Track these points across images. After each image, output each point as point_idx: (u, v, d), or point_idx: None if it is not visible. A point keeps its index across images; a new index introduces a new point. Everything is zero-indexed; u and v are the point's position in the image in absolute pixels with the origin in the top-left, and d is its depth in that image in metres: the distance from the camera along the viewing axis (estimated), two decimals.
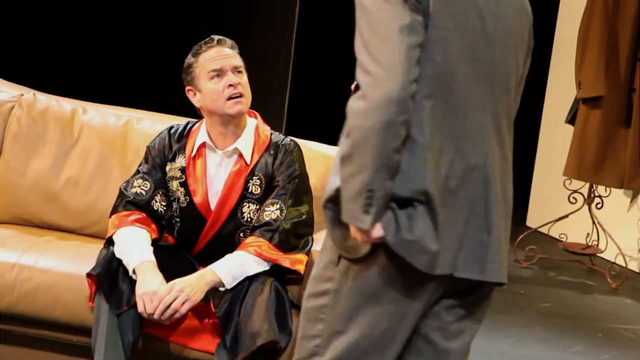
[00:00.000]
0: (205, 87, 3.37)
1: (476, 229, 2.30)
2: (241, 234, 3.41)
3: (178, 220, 3.47)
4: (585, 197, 5.73)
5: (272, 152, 3.42)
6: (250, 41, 5.78)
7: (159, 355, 3.34)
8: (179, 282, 3.22)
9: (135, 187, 3.43)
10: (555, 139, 6.33)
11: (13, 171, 3.82)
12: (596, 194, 5.72)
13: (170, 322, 3.23)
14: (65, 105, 3.93)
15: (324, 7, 6.68)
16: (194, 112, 3.51)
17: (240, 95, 3.36)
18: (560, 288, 5.48)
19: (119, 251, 3.31)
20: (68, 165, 3.81)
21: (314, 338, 2.36)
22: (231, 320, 3.20)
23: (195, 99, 3.42)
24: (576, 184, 5.71)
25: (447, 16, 2.22)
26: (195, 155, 3.44)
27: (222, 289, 3.25)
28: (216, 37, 3.44)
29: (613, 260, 5.79)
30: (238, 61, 3.41)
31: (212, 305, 3.25)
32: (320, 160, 3.63)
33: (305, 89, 6.62)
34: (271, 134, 3.48)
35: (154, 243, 3.39)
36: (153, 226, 3.40)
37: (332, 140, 4.24)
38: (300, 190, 3.39)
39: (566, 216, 5.77)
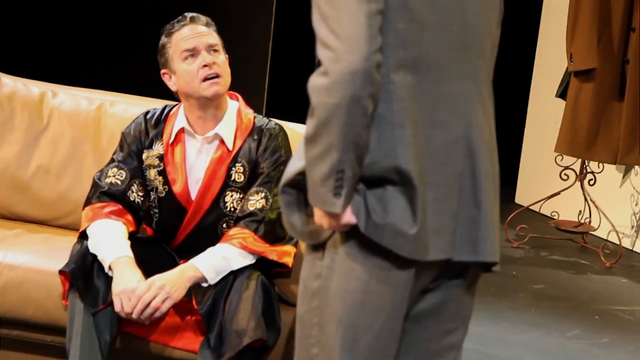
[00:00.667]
0: (180, 69, 3.17)
1: (465, 205, 2.16)
2: (224, 225, 3.21)
3: (156, 211, 3.26)
4: (577, 173, 5.57)
5: (255, 137, 3.22)
6: (227, 19, 5.56)
7: (138, 355, 3.16)
8: (159, 279, 3.02)
9: (109, 176, 3.23)
10: (545, 113, 6.16)
11: None
12: (588, 170, 5.56)
13: (150, 321, 3.02)
14: (33, 88, 3.74)
15: None
16: (172, 95, 3.29)
17: (217, 76, 3.15)
18: (553, 268, 5.32)
19: (93, 246, 3.11)
20: (37, 152, 3.63)
21: (312, 346, 2.19)
22: (215, 317, 3.01)
23: (171, 82, 3.21)
24: (567, 160, 5.55)
25: None
26: (173, 142, 3.23)
27: (205, 284, 3.05)
28: (189, 15, 3.23)
29: (606, 238, 5.64)
30: (213, 39, 3.19)
31: (194, 302, 3.05)
32: None
33: (286, 68, 6.40)
34: (254, 117, 3.27)
35: (131, 236, 3.19)
36: (130, 218, 3.20)
37: None
38: None
39: (558, 193, 5.61)
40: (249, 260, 3.08)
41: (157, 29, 3.32)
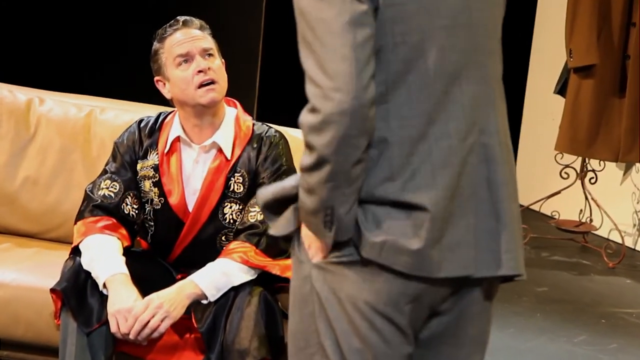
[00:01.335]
0: (173, 75, 3.02)
1: (484, 217, 2.03)
2: (223, 238, 3.06)
3: (152, 224, 3.11)
4: (578, 171, 5.45)
5: (255, 145, 3.07)
6: (218, 20, 5.40)
7: None
8: (157, 297, 2.87)
9: (102, 189, 3.07)
10: (542, 110, 6.03)
11: None
12: (589, 168, 5.44)
13: (147, 341, 2.87)
14: (19, 95, 3.60)
15: None
16: (166, 100, 3.14)
17: (212, 82, 3.00)
18: (556, 269, 5.20)
19: (86, 262, 2.95)
20: (25, 163, 3.50)
21: (313, 356, 2.06)
22: (216, 336, 2.87)
23: (165, 90, 3.07)
24: (567, 158, 5.43)
25: None
26: (168, 152, 3.08)
27: (204, 301, 2.90)
28: (182, 18, 3.07)
29: (608, 237, 5.53)
30: (208, 43, 3.04)
31: (194, 319, 2.90)
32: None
33: (277, 69, 6.24)
34: (253, 124, 3.13)
35: (126, 250, 3.04)
36: (124, 232, 3.05)
37: None
38: None
39: (558, 192, 5.49)
40: (251, 275, 2.93)
41: (150, 30, 3.17)
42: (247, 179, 3.05)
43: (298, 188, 2.01)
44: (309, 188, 1.95)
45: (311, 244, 2.02)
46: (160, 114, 3.18)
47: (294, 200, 2.03)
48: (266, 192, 2.09)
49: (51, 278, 3.00)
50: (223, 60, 3.10)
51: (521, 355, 4.10)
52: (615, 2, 5.12)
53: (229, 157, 3.05)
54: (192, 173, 3.07)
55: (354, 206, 1.95)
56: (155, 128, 3.12)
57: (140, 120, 3.16)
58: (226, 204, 3.05)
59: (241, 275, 2.92)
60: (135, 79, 4.17)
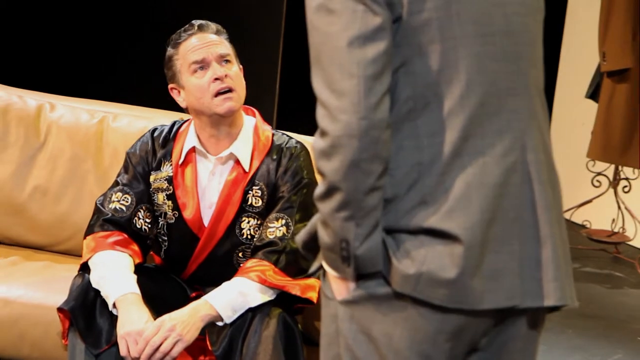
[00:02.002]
0: (189, 83, 2.86)
1: (528, 243, 1.87)
2: (240, 254, 2.90)
3: (165, 238, 2.95)
4: (611, 179, 5.26)
5: (274, 157, 2.90)
6: (237, 21, 5.24)
7: None
8: (169, 319, 2.71)
9: (113, 202, 2.92)
10: (572, 115, 5.84)
11: None
12: (622, 176, 5.26)
13: None
14: (29, 100, 3.47)
15: None
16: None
17: (230, 90, 2.84)
18: (587, 282, 5.00)
19: (96, 280, 2.80)
20: (34, 172, 3.36)
21: None
22: None
23: (180, 98, 2.91)
24: (600, 165, 5.24)
25: None
26: (183, 163, 2.92)
27: (220, 323, 2.74)
28: (197, 22, 2.91)
29: None
30: (225, 49, 2.88)
31: (208, 341, 2.74)
32: None
33: (299, 74, 6.07)
34: (273, 134, 2.96)
35: (138, 266, 2.89)
36: (136, 248, 2.90)
37: None
38: (309, 201, 2.87)
39: (590, 201, 5.31)
40: (269, 295, 2.77)
41: (166, 31, 3.02)
42: (265, 193, 2.89)
43: None
44: (323, 220, 1.82)
45: (333, 280, 1.86)
46: (175, 122, 3.02)
47: None
48: (301, 232, 1.96)
49: (60, 294, 2.86)
50: (241, 66, 2.94)
51: None
52: None
53: (247, 169, 2.89)
54: (208, 185, 2.91)
55: (373, 239, 1.80)
56: (170, 138, 2.97)
57: (154, 130, 3.00)
58: (244, 218, 2.89)
59: (259, 295, 2.76)
60: (150, 83, 4.01)
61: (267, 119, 3.09)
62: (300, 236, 1.96)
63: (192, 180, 2.91)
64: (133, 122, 3.36)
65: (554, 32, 5.98)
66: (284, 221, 2.85)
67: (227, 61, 2.88)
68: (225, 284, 2.78)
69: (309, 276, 2.83)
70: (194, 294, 2.94)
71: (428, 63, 1.80)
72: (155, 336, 2.67)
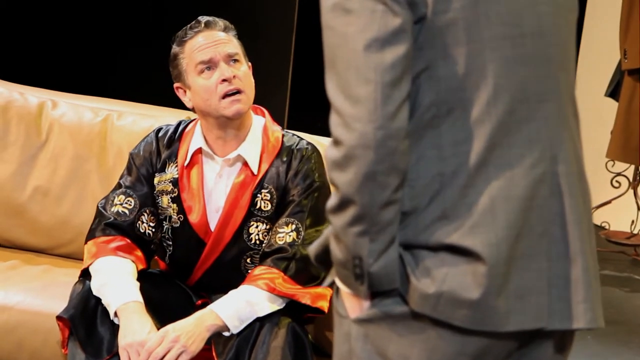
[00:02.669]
0: (195, 84, 2.74)
1: (557, 260, 1.75)
2: (248, 260, 2.78)
3: (170, 243, 2.83)
4: (630, 180, 5.14)
5: (284, 158, 2.78)
6: (247, 14, 5.11)
7: None
8: (173, 329, 2.59)
9: (116, 205, 2.80)
10: (592, 114, 5.69)
11: None
12: None
13: None
14: (30, 98, 3.35)
15: None
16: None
17: (238, 92, 2.71)
18: (605, 285, 4.86)
19: (97, 288, 2.69)
20: (35, 172, 3.25)
21: None
22: None
23: (186, 98, 2.79)
24: (619, 166, 5.12)
25: None
26: (189, 164, 2.81)
27: (226, 333, 2.62)
28: (204, 19, 2.78)
29: None
30: (233, 47, 2.75)
31: (214, 352, 2.63)
32: None
33: (312, 70, 5.94)
34: (283, 135, 2.84)
35: (142, 272, 2.77)
36: (139, 254, 2.78)
37: None
38: (320, 206, 2.74)
39: (609, 202, 5.18)
40: (278, 304, 2.65)
41: (171, 28, 2.89)
42: (275, 196, 2.76)
43: None
44: (336, 234, 1.70)
45: (346, 297, 1.73)
46: (181, 122, 2.90)
47: None
48: (314, 244, 1.84)
49: (60, 301, 2.76)
50: (250, 63, 2.81)
51: None
52: None
53: (255, 172, 2.77)
54: (214, 188, 2.79)
55: (388, 255, 1.68)
56: (175, 138, 2.85)
57: (159, 129, 2.88)
58: (252, 223, 2.77)
59: (267, 304, 2.64)
60: (156, 79, 3.88)
61: (277, 118, 2.97)
62: (313, 248, 1.84)
63: (198, 182, 2.79)
64: (138, 120, 3.25)
65: None
66: (294, 226, 2.72)
67: (236, 60, 2.75)
68: (232, 292, 2.66)
69: (320, 284, 2.70)
70: (199, 302, 2.82)
71: (453, 67, 1.68)
72: (158, 347, 2.55)
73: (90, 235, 2.80)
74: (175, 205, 2.80)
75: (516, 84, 1.71)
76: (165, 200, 2.82)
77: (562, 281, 1.75)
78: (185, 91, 2.78)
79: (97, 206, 2.84)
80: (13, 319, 2.87)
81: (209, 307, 2.65)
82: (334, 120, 1.66)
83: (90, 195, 3.19)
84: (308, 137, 2.92)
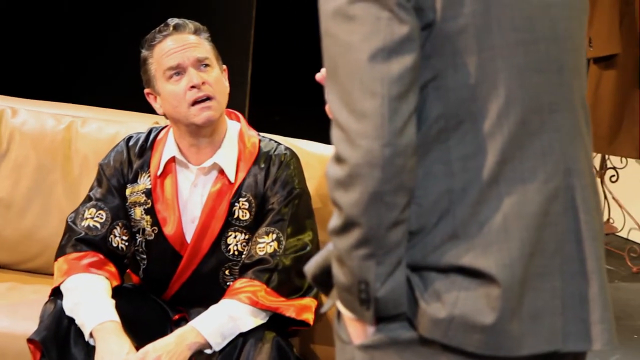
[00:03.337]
0: (164, 90, 2.64)
1: (572, 279, 1.67)
2: (227, 272, 2.69)
3: (144, 257, 2.72)
4: (597, 169, 5.10)
5: (262, 165, 2.68)
6: (207, 11, 4.98)
7: None
8: (153, 349, 2.49)
9: (87, 218, 2.68)
10: None
11: None
12: (609, 166, 5.10)
13: None
14: None
15: None
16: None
17: (208, 98, 2.60)
18: None
19: (70, 307, 2.58)
20: None
21: None
22: None
23: (157, 105, 2.69)
24: None
25: None
26: (162, 174, 2.70)
27: (208, 351, 2.52)
28: (173, 22, 2.67)
29: (631, 239, 5.17)
30: (203, 51, 2.64)
31: None
32: (315, 166, 2.88)
33: (269, 59, 5.84)
34: (259, 141, 2.73)
35: (115, 287, 2.65)
36: (112, 270, 2.67)
37: (309, 133, 3.48)
38: (301, 213, 2.66)
39: None
40: (261, 318, 2.56)
41: (140, 25, 2.77)
42: (253, 205, 2.66)
43: None
44: (339, 257, 1.59)
45: (349, 322, 1.63)
46: (152, 129, 2.78)
47: None
48: (311, 263, 1.73)
49: (29, 322, 2.66)
50: (225, 66, 2.70)
51: None
52: None
53: (232, 180, 2.67)
54: (189, 198, 2.68)
55: (395, 278, 1.58)
56: (147, 147, 2.74)
57: (129, 138, 2.77)
58: (230, 233, 2.67)
59: (250, 319, 2.55)
60: (122, 82, 3.75)
61: (239, 111, 2.86)
62: (310, 268, 1.73)
63: (173, 192, 2.68)
64: (104, 127, 3.13)
65: None
66: (274, 236, 2.62)
67: (206, 65, 2.64)
68: (213, 308, 2.56)
69: (304, 295, 2.60)
70: (177, 317, 2.72)
71: (463, 76, 1.58)
72: None
73: (61, 252, 2.68)
74: (149, 217, 2.69)
75: (529, 93, 1.62)
76: (138, 212, 2.70)
77: (577, 301, 1.67)
78: (155, 97, 2.67)
79: (67, 220, 2.72)
80: None
81: (189, 324, 2.55)
82: (336, 135, 1.55)
83: (56, 206, 3.08)
84: (283, 141, 2.82)
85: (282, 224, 2.63)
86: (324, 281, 1.71)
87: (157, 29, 2.67)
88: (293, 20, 5.65)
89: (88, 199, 2.73)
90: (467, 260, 1.58)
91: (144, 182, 2.70)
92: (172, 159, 2.69)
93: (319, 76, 1.87)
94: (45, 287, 2.73)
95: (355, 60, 1.52)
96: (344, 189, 1.54)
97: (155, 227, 2.69)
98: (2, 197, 3.11)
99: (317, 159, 2.92)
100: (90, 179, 2.84)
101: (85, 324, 2.53)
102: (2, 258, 3.11)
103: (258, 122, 2.96)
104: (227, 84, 2.69)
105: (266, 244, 2.62)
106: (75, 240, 2.67)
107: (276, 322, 2.58)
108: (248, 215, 2.67)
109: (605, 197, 5.14)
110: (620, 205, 5.08)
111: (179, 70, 2.62)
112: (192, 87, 2.60)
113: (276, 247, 2.61)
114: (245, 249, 2.66)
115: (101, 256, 2.66)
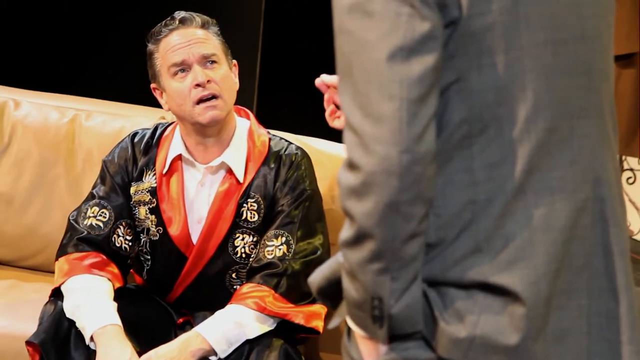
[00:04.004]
0: (169, 87, 2.56)
1: (599, 296, 1.58)
2: (233, 275, 2.61)
3: (148, 257, 2.65)
4: None
5: (272, 165, 2.59)
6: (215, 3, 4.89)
7: None
8: (156, 355, 2.42)
9: (89, 217, 2.60)
10: None
11: None
12: (627, 167, 5.03)
13: None
14: None
15: None
16: None
17: (214, 97, 2.51)
18: None
19: (70, 310, 2.50)
20: None
21: None
22: None
23: (162, 101, 2.62)
24: None
25: None
26: (168, 172, 2.62)
27: (213, 358, 2.44)
28: (179, 15, 2.58)
29: None
30: (210, 47, 2.55)
31: None
32: (326, 165, 2.81)
33: (279, 53, 5.76)
34: (269, 139, 2.64)
35: (118, 289, 2.58)
36: (115, 271, 2.60)
37: (317, 125, 3.38)
38: (312, 216, 2.58)
39: None
40: (269, 325, 2.48)
41: (147, 17, 2.68)
42: (262, 206, 2.57)
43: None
44: (350, 271, 1.49)
45: (360, 340, 1.54)
46: (158, 126, 2.71)
47: None
48: (317, 275, 1.62)
49: (28, 322, 2.60)
50: (235, 61, 2.61)
51: None
52: None
53: (240, 180, 2.58)
54: (196, 198, 2.60)
55: (411, 294, 1.49)
56: (152, 143, 2.65)
57: (134, 134, 2.69)
58: (237, 235, 2.58)
59: (257, 325, 2.47)
60: (128, 75, 3.68)
61: (247, 104, 2.78)
62: (315, 280, 1.64)
63: (178, 192, 2.59)
64: (108, 121, 3.07)
65: None
66: (284, 239, 2.53)
67: (213, 62, 2.55)
68: (219, 313, 2.48)
69: (314, 302, 2.52)
70: (181, 320, 2.65)
71: (488, 78, 1.47)
72: None
73: (62, 252, 2.60)
74: (153, 216, 2.60)
75: (558, 97, 1.52)
76: (142, 212, 2.61)
77: (605, 320, 1.58)
78: (161, 93, 2.60)
79: (69, 219, 2.64)
80: None
81: (194, 329, 2.47)
82: (349, 140, 1.45)
83: (58, 202, 3.02)
84: (294, 139, 2.74)
85: (292, 226, 2.54)
86: (330, 294, 1.62)
87: (164, 22, 2.58)
88: (303, 11, 5.57)
89: (91, 196, 2.65)
90: (491, 277, 1.49)
91: (149, 180, 2.62)
92: (179, 157, 2.61)
93: (318, 82, 1.78)
94: (47, 286, 2.67)
95: (372, 59, 1.42)
96: (357, 198, 1.44)
97: (160, 227, 2.61)
98: (4, 192, 3.05)
99: (329, 158, 2.84)
100: (94, 174, 2.77)
101: (86, 327, 2.45)
102: (3, 254, 3.06)
103: (266, 114, 2.89)
104: (236, 80, 2.60)
105: (275, 248, 2.53)
106: (77, 239, 2.59)
107: (284, 329, 2.50)
108: (256, 216, 2.58)
109: None
110: (637, 208, 5.01)
111: (184, 67, 2.53)
112: (197, 85, 2.51)
113: (285, 251, 2.52)
114: (253, 251, 2.57)
115: (103, 257, 2.58)
